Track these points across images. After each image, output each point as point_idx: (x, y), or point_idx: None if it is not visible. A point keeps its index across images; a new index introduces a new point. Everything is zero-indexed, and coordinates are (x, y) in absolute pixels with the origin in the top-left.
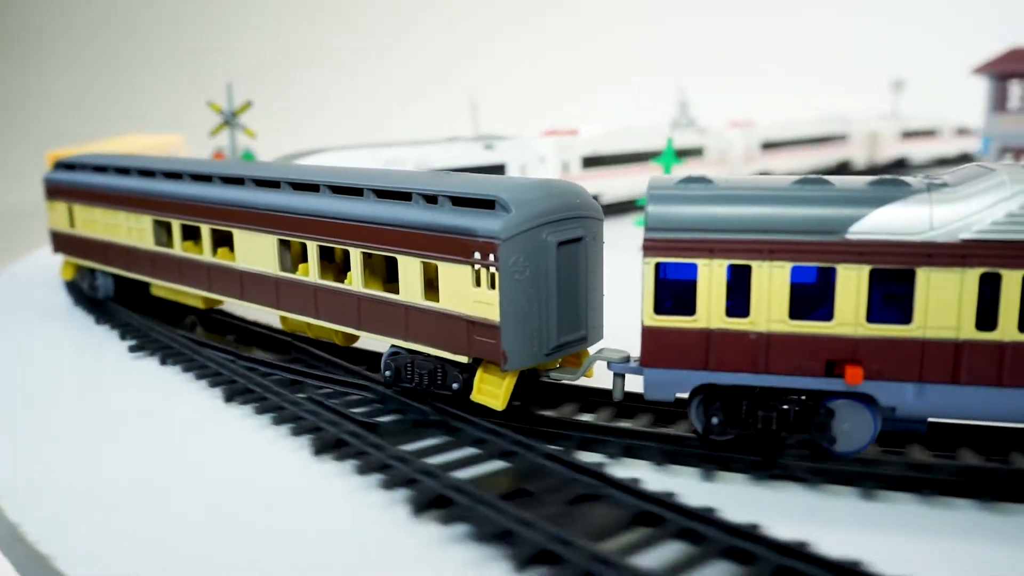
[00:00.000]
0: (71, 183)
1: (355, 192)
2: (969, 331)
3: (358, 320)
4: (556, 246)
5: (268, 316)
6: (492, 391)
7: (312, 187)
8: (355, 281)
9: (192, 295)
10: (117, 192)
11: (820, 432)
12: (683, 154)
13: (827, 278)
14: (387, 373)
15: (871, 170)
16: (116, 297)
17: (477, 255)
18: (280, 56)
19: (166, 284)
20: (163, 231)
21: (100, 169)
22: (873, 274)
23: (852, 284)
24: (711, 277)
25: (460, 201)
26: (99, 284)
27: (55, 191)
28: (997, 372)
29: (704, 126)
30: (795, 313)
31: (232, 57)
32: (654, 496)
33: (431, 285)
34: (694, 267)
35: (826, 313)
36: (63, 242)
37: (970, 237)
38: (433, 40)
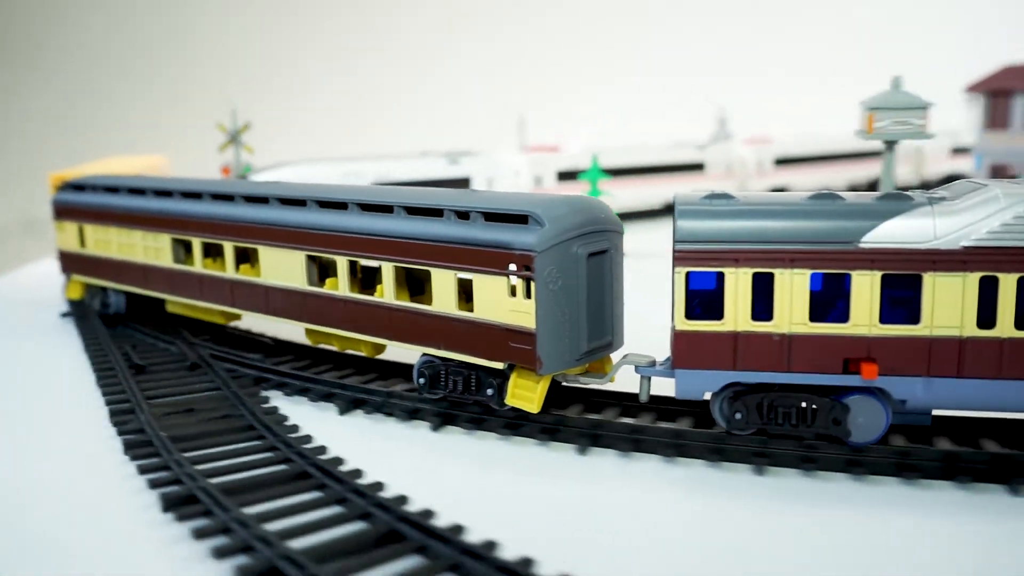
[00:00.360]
0: (81, 204)
1: (385, 209)
2: (971, 329)
3: (390, 331)
4: (586, 258)
5: (285, 328)
6: (526, 395)
7: (340, 205)
8: (386, 294)
9: (212, 311)
10: (133, 212)
11: (837, 426)
12: (684, 168)
13: (843, 283)
14: (421, 380)
15: (923, 186)
16: (127, 314)
17: (513, 267)
18: (275, 70)
19: (185, 300)
20: (182, 249)
21: (112, 190)
22: (884, 279)
23: (866, 288)
24: (737, 284)
25: (493, 217)
26: (111, 301)
27: (64, 212)
28: (996, 365)
29: (704, 141)
30: (814, 316)
31: (222, 72)
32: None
33: (464, 296)
34: (721, 275)
35: (842, 315)
36: (72, 262)
37: (970, 244)
38: (473, 48)
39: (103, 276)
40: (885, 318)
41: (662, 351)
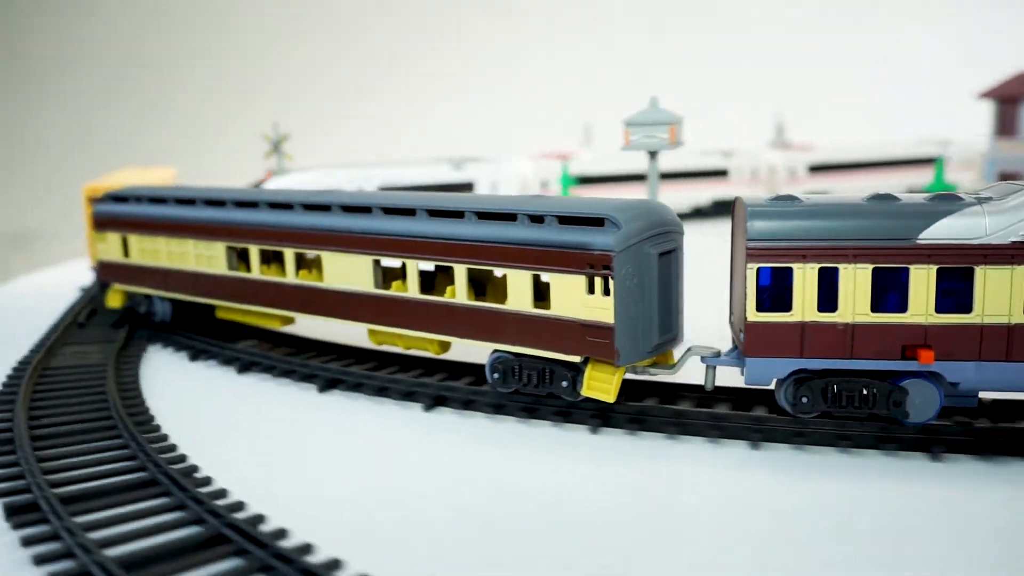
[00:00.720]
0: (125, 214)
1: (455, 215)
2: (1019, 316)
3: (462, 329)
4: (657, 257)
5: (339, 330)
6: (603, 386)
7: (407, 211)
8: (459, 294)
9: (267, 315)
10: (185, 221)
11: (896, 407)
12: (707, 175)
13: (902, 276)
14: (495, 376)
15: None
16: (173, 321)
17: (592, 266)
18: (307, 81)
19: (240, 306)
20: (237, 256)
21: (159, 200)
22: (940, 272)
23: (922, 281)
24: (804, 278)
25: (568, 220)
26: (157, 310)
27: (106, 223)
28: None
29: (730, 148)
30: (875, 306)
31: (237, 83)
32: None
33: (539, 294)
34: (790, 270)
35: (901, 305)
36: (114, 271)
37: (1018, 239)
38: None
39: (150, 285)
40: (940, 308)
41: (707, 343)
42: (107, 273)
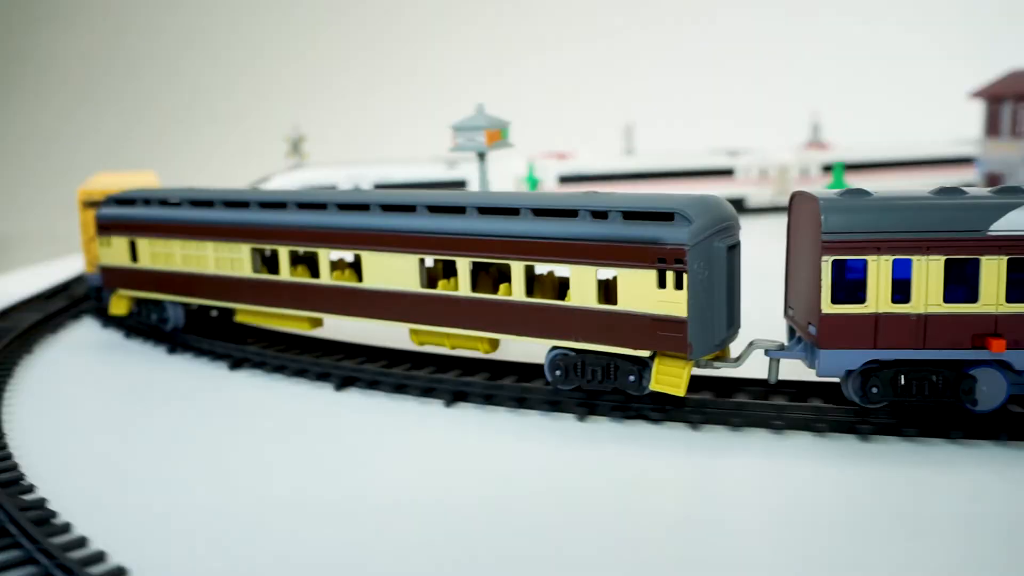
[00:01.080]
0: (133, 218)
1: (510, 212)
2: None
3: (519, 327)
4: (725, 251)
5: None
6: (673, 380)
7: (457, 209)
8: (516, 292)
9: (295, 317)
10: (203, 224)
11: (967, 395)
12: (712, 174)
13: (973, 267)
14: (557, 373)
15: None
16: (186, 327)
17: (663, 260)
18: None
19: (266, 309)
20: (263, 259)
21: (171, 203)
22: (1010, 263)
23: (993, 271)
24: (879, 270)
25: (634, 215)
26: (169, 316)
27: (111, 227)
28: None
29: (736, 147)
30: (947, 297)
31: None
32: None
33: (604, 290)
34: (864, 263)
35: (972, 295)
36: (120, 277)
37: None
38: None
39: (161, 289)
40: (1011, 297)
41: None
42: (112, 279)
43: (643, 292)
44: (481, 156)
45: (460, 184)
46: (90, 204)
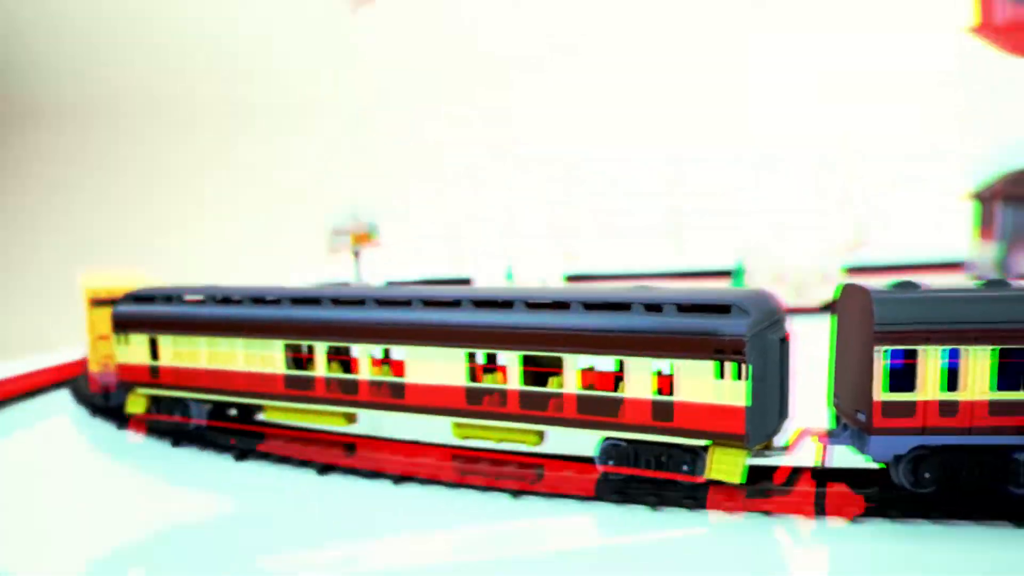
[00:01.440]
0: (154, 315)
1: (561, 306)
2: None
3: (573, 419)
4: (778, 343)
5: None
6: (731, 468)
7: (505, 304)
8: (568, 384)
9: (330, 413)
10: (232, 320)
11: (1014, 478)
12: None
13: (1020, 356)
14: (609, 462)
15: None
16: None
17: (720, 351)
18: None
19: (298, 405)
20: (297, 354)
21: (195, 300)
22: None
23: None
24: (928, 359)
25: (688, 308)
26: (192, 413)
27: (129, 324)
28: None
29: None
30: (995, 384)
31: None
32: None
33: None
34: (914, 352)
35: (1019, 384)
36: (139, 374)
37: None
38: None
39: (185, 387)
40: None
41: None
42: (130, 376)
43: (701, 383)
44: (355, 255)
45: (465, 281)
46: (99, 303)
